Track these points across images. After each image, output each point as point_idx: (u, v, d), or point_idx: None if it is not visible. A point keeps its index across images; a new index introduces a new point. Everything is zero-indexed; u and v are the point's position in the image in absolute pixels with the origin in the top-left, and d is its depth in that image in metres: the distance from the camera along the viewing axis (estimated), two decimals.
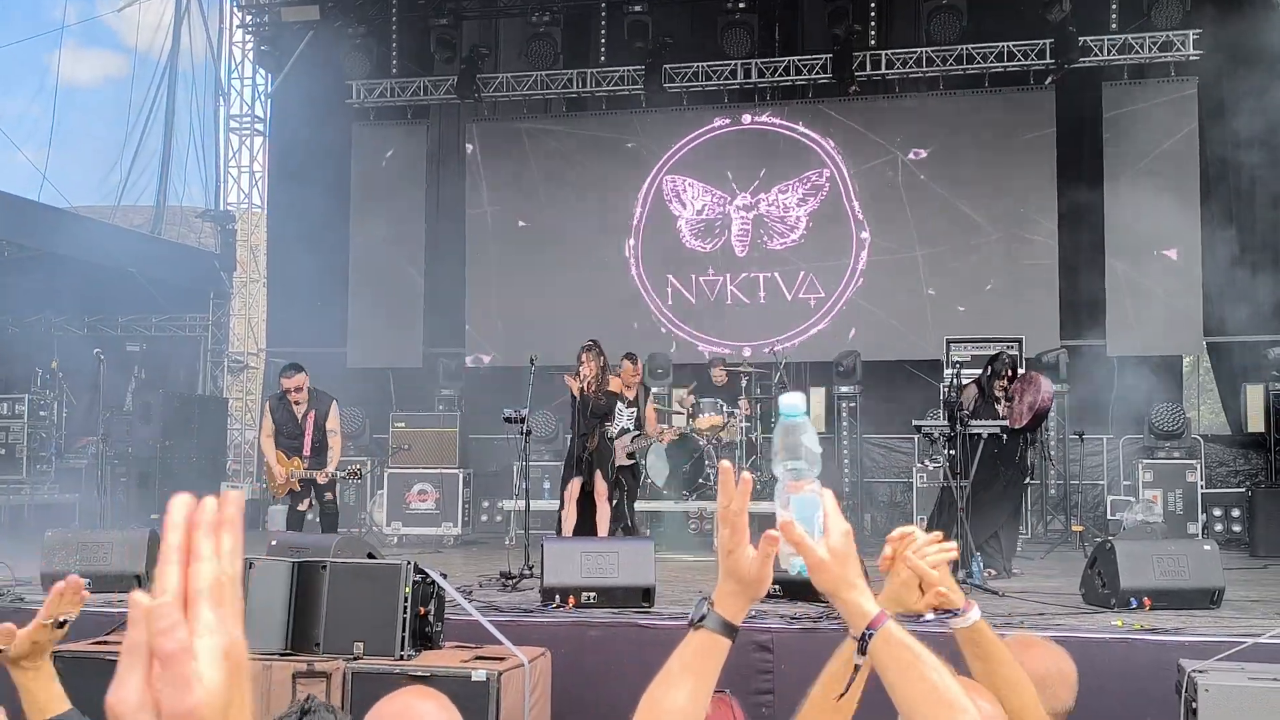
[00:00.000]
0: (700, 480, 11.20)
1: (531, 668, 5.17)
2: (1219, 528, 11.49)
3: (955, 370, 9.24)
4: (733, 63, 13.72)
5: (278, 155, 15.58)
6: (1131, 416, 12.24)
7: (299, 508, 9.10)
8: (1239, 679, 4.56)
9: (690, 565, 9.48)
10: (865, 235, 13.59)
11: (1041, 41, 12.93)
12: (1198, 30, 12.58)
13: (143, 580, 7.11)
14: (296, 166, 14.77)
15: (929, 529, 1.95)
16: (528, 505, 8.66)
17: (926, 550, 1.89)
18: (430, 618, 5.29)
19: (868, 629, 1.57)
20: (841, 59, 13.15)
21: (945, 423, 8.53)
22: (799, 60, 13.65)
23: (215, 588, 0.87)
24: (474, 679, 4.86)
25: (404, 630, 5.13)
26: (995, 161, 13.37)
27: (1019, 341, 11.98)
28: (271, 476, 9.17)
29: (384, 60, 14.52)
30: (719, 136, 14.08)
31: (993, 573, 8.06)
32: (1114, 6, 12.92)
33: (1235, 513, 11.61)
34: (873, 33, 13.55)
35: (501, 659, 5.09)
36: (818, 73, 13.55)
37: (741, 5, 13.36)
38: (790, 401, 1.60)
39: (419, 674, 4.84)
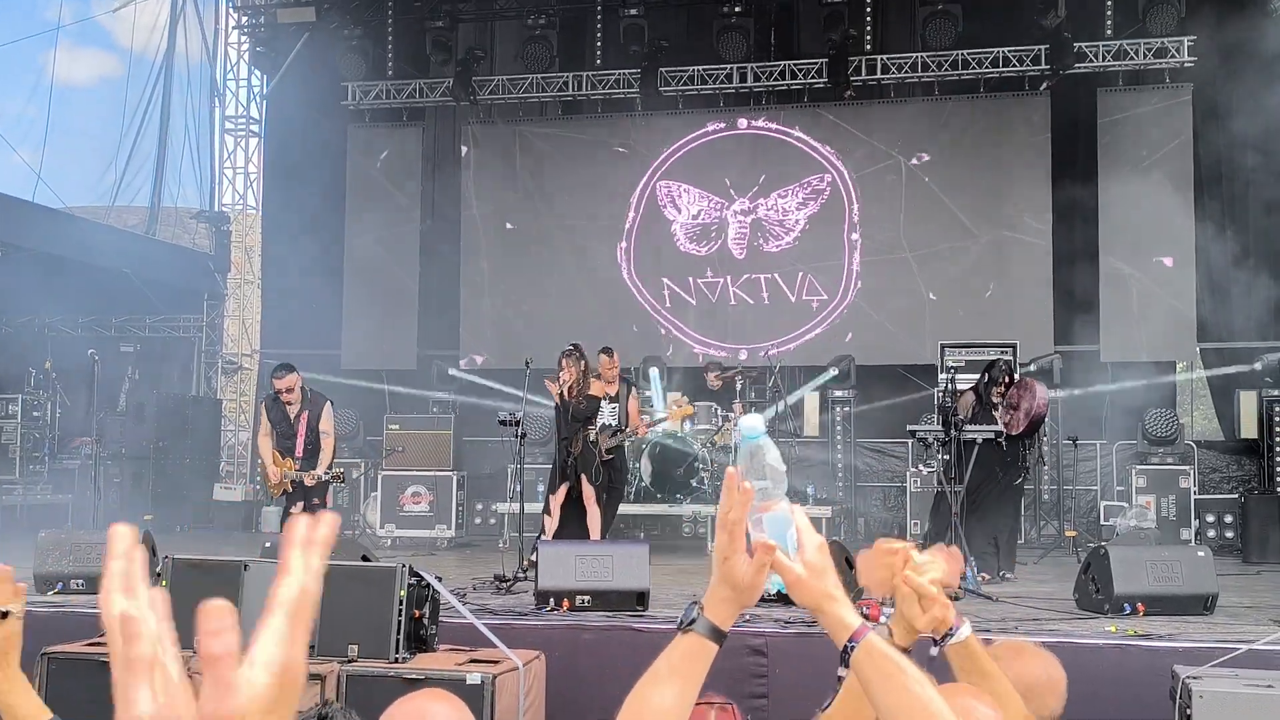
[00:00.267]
0: (694, 484, 11.20)
1: (526, 671, 5.17)
2: (1212, 534, 11.51)
3: (950, 375, 9.26)
4: (728, 66, 13.74)
5: (273, 157, 15.56)
6: (1125, 422, 12.26)
7: (293, 510, 9.08)
8: (1233, 685, 4.57)
9: (683, 569, 9.47)
10: (856, 237, 13.60)
11: (1037, 47, 12.95)
12: (1193, 37, 12.61)
13: None
14: (291, 168, 14.75)
15: (926, 533, 1.96)
16: (522, 508, 8.65)
17: (925, 568, 1.89)
18: (425, 621, 5.29)
19: (850, 641, 1.57)
20: (837, 63, 13.18)
21: (939, 427, 8.55)
22: (794, 65, 13.66)
23: (297, 602, 0.88)
24: (469, 682, 4.85)
25: (399, 633, 5.13)
26: (990, 167, 13.40)
27: (1013, 347, 12.00)
28: (267, 477, 9.17)
29: (380, 62, 14.51)
30: (714, 141, 14.09)
31: (986, 577, 8.07)
32: (1109, 12, 12.95)
33: (1228, 519, 11.63)
34: (868, 37, 13.57)
35: (496, 662, 5.09)
36: (813, 77, 13.57)
37: (737, 9, 13.37)
38: (749, 424, 1.62)
39: (413, 677, 4.83)
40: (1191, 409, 14.94)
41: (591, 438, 9.21)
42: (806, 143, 13.77)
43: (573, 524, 9.18)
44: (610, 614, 6.30)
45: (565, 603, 6.39)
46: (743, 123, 14.04)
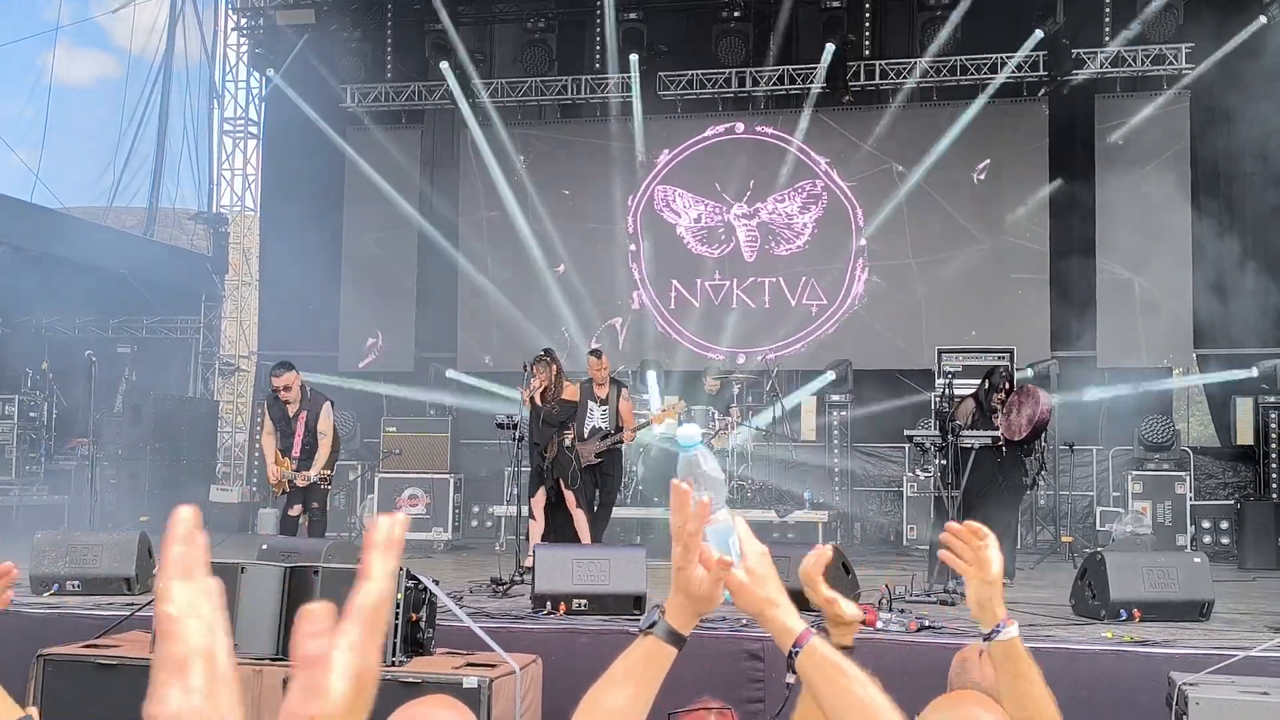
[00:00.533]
0: None
1: (523, 675, 5.16)
2: (1208, 540, 11.52)
3: (947, 380, 9.26)
4: (727, 71, 13.75)
5: (271, 158, 15.56)
6: (1121, 428, 12.27)
7: (290, 512, 9.07)
8: (1230, 692, 4.57)
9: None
10: (863, 243, 13.62)
11: (1035, 54, 12.97)
12: (1190, 44, 12.63)
13: (132, 583, 7.09)
14: (290, 170, 14.75)
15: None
16: (519, 511, 8.63)
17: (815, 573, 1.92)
18: (422, 624, 5.28)
19: (794, 646, 1.59)
20: (835, 68, 13.19)
21: (937, 433, 8.55)
22: (793, 69, 13.68)
23: (376, 609, 0.87)
24: (465, 686, 4.84)
25: (395, 636, 5.12)
26: (988, 173, 13.41)
27: (1010, 352, 12.02)
28: (269, 475, 9.17)
29: (379, 65, 14.51)
30: (712, 144, 14.11)
31: None
32: (1107, 19, 12.96)
33: (1224, 525, 11.64)
34: (867, 43, 13.59)
35: (493, 666, 5.08)
36: (811, 82, 13.58)
37: (736, 14, 13.39)
38: (685, 433, 1.63)
39: (410, 681, 4.82)
40: (1188, 415, 14.96)
41: (567, 443, 9.13)
42: (803, 147, 13.78)
43: (560, 529, 9.15)
44: (607, 618, 6.30)
45: (562, 606, 6.39)
46: (740, 126, 14.06)
